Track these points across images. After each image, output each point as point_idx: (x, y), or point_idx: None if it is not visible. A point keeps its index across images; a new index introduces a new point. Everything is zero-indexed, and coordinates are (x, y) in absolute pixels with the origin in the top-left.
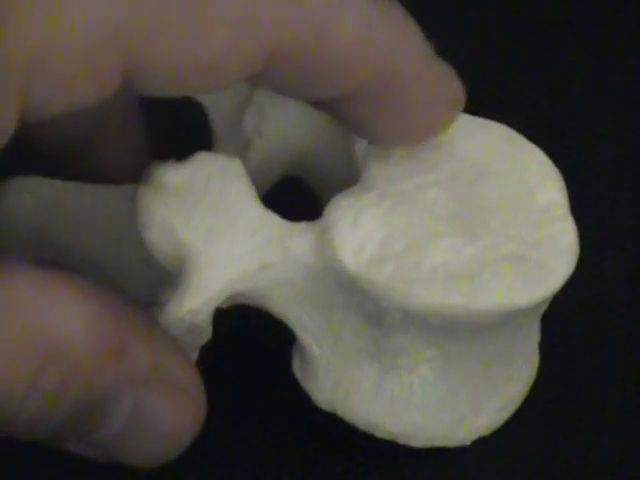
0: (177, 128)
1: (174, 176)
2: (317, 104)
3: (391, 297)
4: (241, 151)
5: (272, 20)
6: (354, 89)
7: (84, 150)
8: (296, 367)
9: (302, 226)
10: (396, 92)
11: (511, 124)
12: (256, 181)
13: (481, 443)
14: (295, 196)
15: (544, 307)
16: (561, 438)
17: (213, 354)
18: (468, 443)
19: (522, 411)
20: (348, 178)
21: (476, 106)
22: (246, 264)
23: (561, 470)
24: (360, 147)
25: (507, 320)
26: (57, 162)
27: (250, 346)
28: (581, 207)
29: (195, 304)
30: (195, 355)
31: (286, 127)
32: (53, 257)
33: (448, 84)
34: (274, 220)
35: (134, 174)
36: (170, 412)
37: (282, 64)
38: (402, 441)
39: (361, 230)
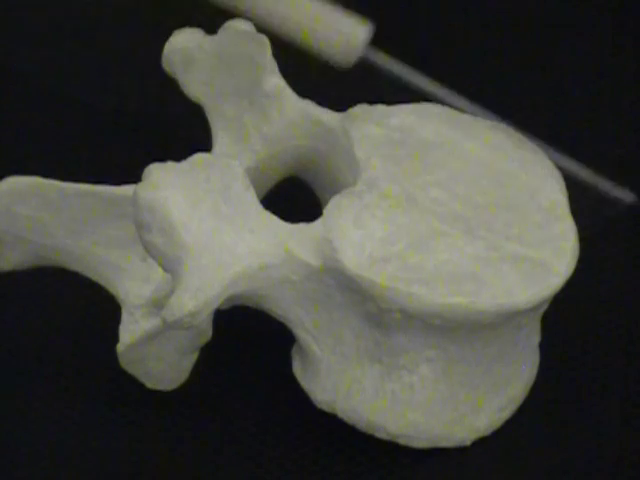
0: (177, 128)
1: (173, 177)
2: None
3: (391, 297)
4: (241, 152)
5: None
6: None
7: None
8: (296, 367)
9: (302, 226)
10: None
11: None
12: (256, 181)
13: (481, 443)
14: (295, 196)
15: (544, 307)
16: (561, 438)
17: (213, 354)
18: (468, 443)
19: (522, 411)
20: (348, 178)
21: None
22: (246, 265)
23: (561, 470)
24: (360, 146)
25: (508, 320)
26: None
27: (250, 346)
28: (581, 207)
29: (195, 305)
30: (195, 355)
31: (286, 127)
32: (53, 257)
33: None
34: (274, 221)
35: None
36: None
37: None
38: (402, 441)
39: (361, 230)
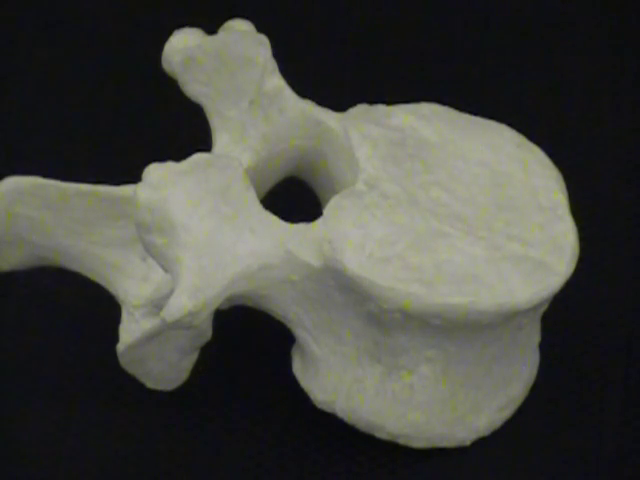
0: (177, 128)
1: (173, 177)
2: None
3: (391, 297)
4: (241, 152)
5: None
6: None
7: None
8: (296, 367)
9: (302, 226)
10: None
11: (511, 124)
12: (256, 181)
13: (481, 443)
14: (295, 196)
15: (545, 307)
16: (561, 438)
17: (213, 354)
18: (468, 443)
19: (522, 411)
20: (348, 178)
21: (476, 106)
22: (246, 265)
23: (561, 470)
24: (360, 146)
25: (508, 320)
26: None
27: (250, 346)
28: (581, 207)
29: (195, 306)
30: (195, 355)
31: (286, 127)
32: (53, 257)
33: None
34: (274, 221)
35: None
36: None
37: None
38: (402, 441)
39: (362, 230)
